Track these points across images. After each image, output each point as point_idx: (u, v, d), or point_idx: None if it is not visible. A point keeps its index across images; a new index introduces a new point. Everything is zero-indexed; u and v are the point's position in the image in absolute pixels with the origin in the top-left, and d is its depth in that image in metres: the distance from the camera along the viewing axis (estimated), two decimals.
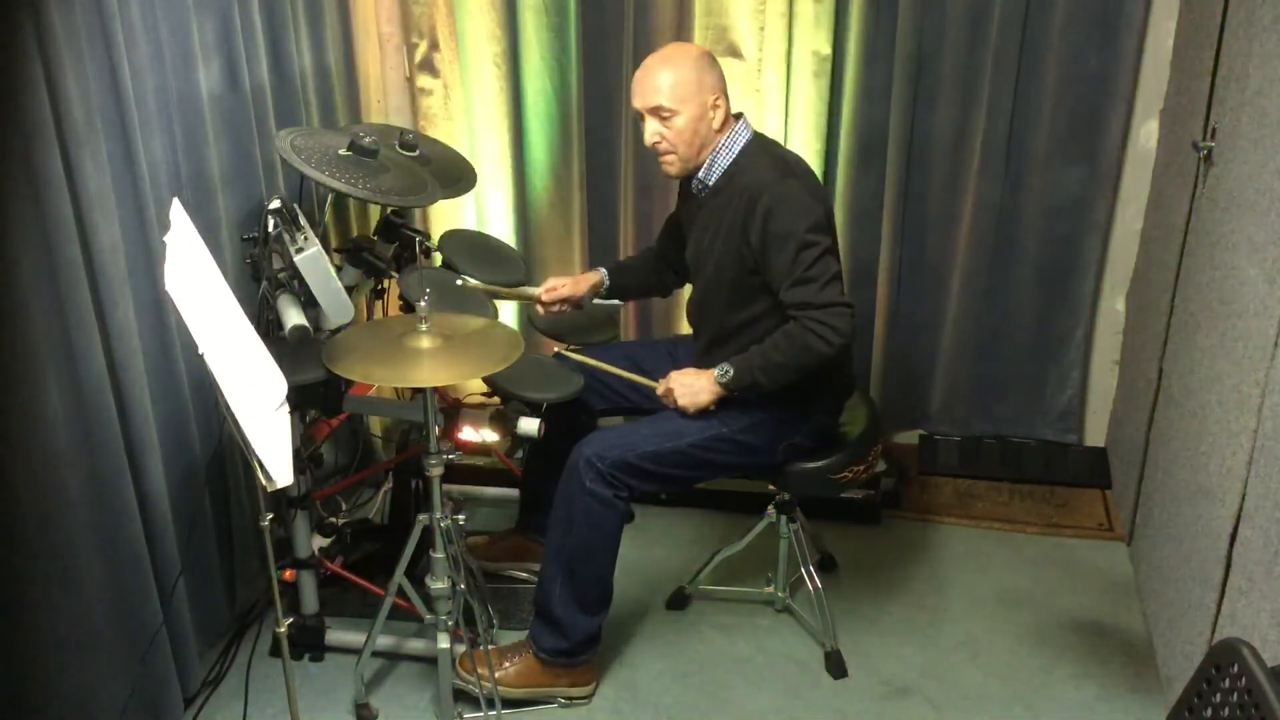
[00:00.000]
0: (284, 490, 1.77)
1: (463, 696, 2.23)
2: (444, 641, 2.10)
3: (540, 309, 2.52)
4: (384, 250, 2.49)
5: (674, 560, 2.76)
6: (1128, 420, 2.92)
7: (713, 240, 2.23)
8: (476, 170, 2.69)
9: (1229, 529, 1.87)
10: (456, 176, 2.59)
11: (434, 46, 3.05)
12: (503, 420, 2.23)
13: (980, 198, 2.95)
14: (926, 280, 3.07)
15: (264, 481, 1.56)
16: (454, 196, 2.61)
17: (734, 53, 2.90)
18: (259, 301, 2.21)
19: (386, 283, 2.58)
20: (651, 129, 2.17)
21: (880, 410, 2.52)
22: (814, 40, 2.84)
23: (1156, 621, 2.41)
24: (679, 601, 2.61)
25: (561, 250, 3.18)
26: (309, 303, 2.12)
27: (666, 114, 2.14)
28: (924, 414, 3.24)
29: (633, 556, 2.67)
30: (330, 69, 2.79)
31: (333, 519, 2.63)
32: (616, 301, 2.73)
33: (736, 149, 2.20)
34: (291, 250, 2.06)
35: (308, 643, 2.43)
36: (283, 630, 1.79)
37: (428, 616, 2.12)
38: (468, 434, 2.27)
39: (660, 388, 2.26)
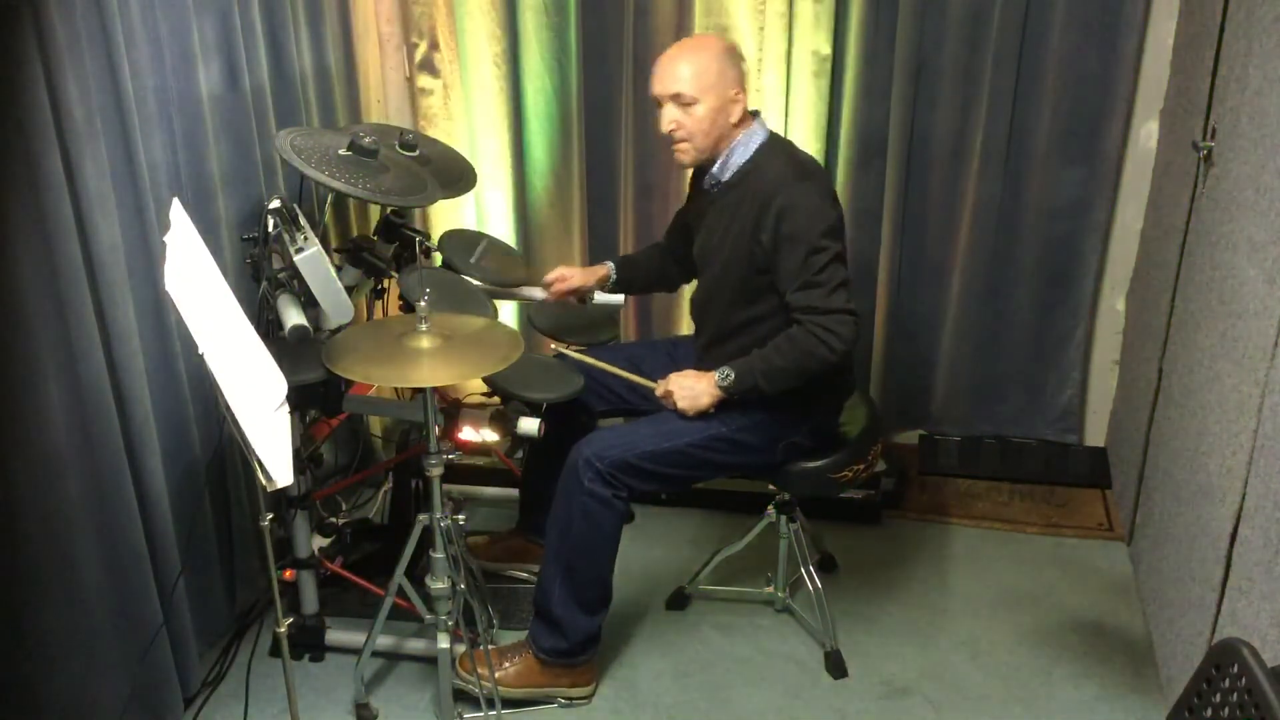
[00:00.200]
0: (284, 490, 1.78)
1: (463, 696, 2.23)
2: (444, 641, 2.10)
3: (547, 295, 2.52)
4: (384, 250, 2.49)
5: (674, 560, 2.76)
6: (1128, 420, 2.92)
7: (722, 237, 2.23)
8: (476, 170, 2.69)
9: (1229, 529, 1.87)
10: (456, 176, 2.59)
11: (434, 46, 3.05)
12: (503, 420, 2.23)
13: (980, 198, 2.95)
14: (926, 280, 3.08)
15: (264, 481, 1.56)
16: (454, 196, 2.61)
17: None
18: (259, 301, 2.21)
19: (386, 283, 2.58)
20: (669, 116, 2.16)
21: (880, 410, 2.52)
22: (814, 40, 2.84)
23: (1156, 621, 2.41)
24: (679, 601, 2.61)
25: (561, 250, 3.18)
26: (309, 303, 2.12)
27: (686, 101, 2.13)
28: (924, 414, 3.24)
29: (633, 556, 2.67)
30: (330, 69, 2.79)
31: (333, 519, 2.63)
32: (618, 301, 2.73)
33: (752, 147, 2.20)
34: (291, 250, 2.06)
35: (308, 643, 2.43)
36: (283, 630, 1.79)
37: (428, 616, 2.12)
38: (468, 434, 2.27)
39: (659, 389, 2.26)
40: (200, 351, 1.59)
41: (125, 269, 1.97)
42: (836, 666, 2.40)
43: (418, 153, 2.48)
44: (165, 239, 1.74)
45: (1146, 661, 2.38)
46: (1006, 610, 2.59)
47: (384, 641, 2.38)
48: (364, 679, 2.29)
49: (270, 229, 2.20)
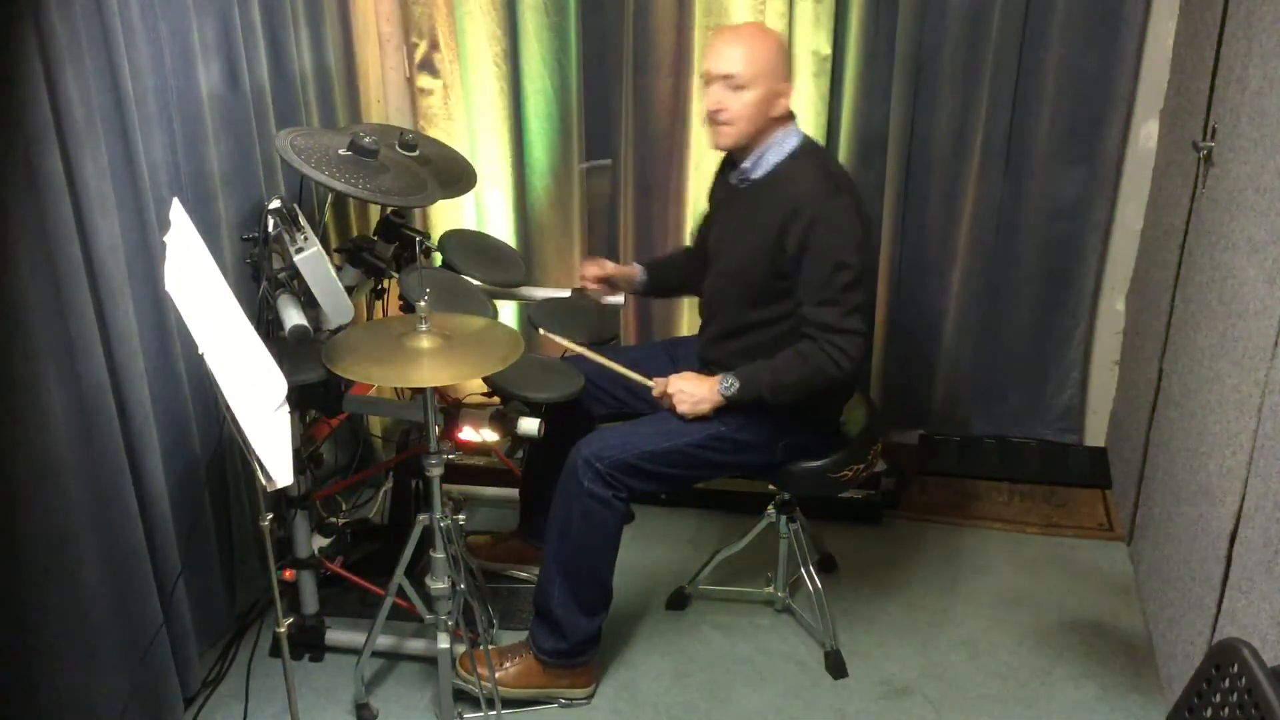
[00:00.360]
0: (284, 490, 1.77)
1: (463, 696, 2.23)
2: (444, 641, 2.10)
3: (583, 283, 2.52)
4: (384, 250, 2.49)
5: (674, 560, 2.76)
6: (1128, 420, 2.92)
7: (742, 233, 2.23)
8: (476, 170, 2.69)
9: (1229, 529, 1.87)
10: (456, 176, 2.59)
11: (434, 46, 3.05)
12: (503, 420, 2.23)
13: (980, 198, 2.95)
14: (926, 280, 3.08)
15: (264, 481, 1.56)
16: (454, 196, 2.61)
17: None
18: (259, 301, 2.21)
19: (386, 283, 2.58)
20: (716, 95, 2.14)
21: (880, 410, 2.52)
22: (814, 40, 2.84)
23: (1156, 621, 2.41)
24: (679, 601, 2.61)
25: (561, 250, 3.18)
26: (309, 303, 2.12)
27: (737, 84, 2.12)
28: (924, 414, 3.24)
29: (633, 556, 2.67)
30: (330, 69, 2.79)
31: (333, 519, 2.63)
32: (618, 301, 2.73)
33: (787, 149, 2.19)
34: (291, 250, 2.06)
35: (308, 643, 2.43)
36: (283, 630, 1.79)
37: (428, 616, 2.12)
38: (468, 434, 2.27)
39: (658, 389, 2.25)
40: (200, 351, 1.59)
41: (125, 269, 1.97)
42: (836, 666, 2.40)
43: (418, 153, 2.48)
44: (165, 239, 1.74)
45: (1146, 661, 2.38)
46: (1006, 610, 2.59)
47: (384, 641, 2.38)
48: (364, 679, 2.29)
49: (270, 229, 2.20)
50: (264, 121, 2.46)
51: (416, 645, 2.40)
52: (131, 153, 1.99)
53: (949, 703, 2.30)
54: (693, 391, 2.21)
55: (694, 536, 2.87)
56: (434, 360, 1.89)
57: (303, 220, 2.20)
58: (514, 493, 2.88)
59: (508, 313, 3.13)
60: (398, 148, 2.45)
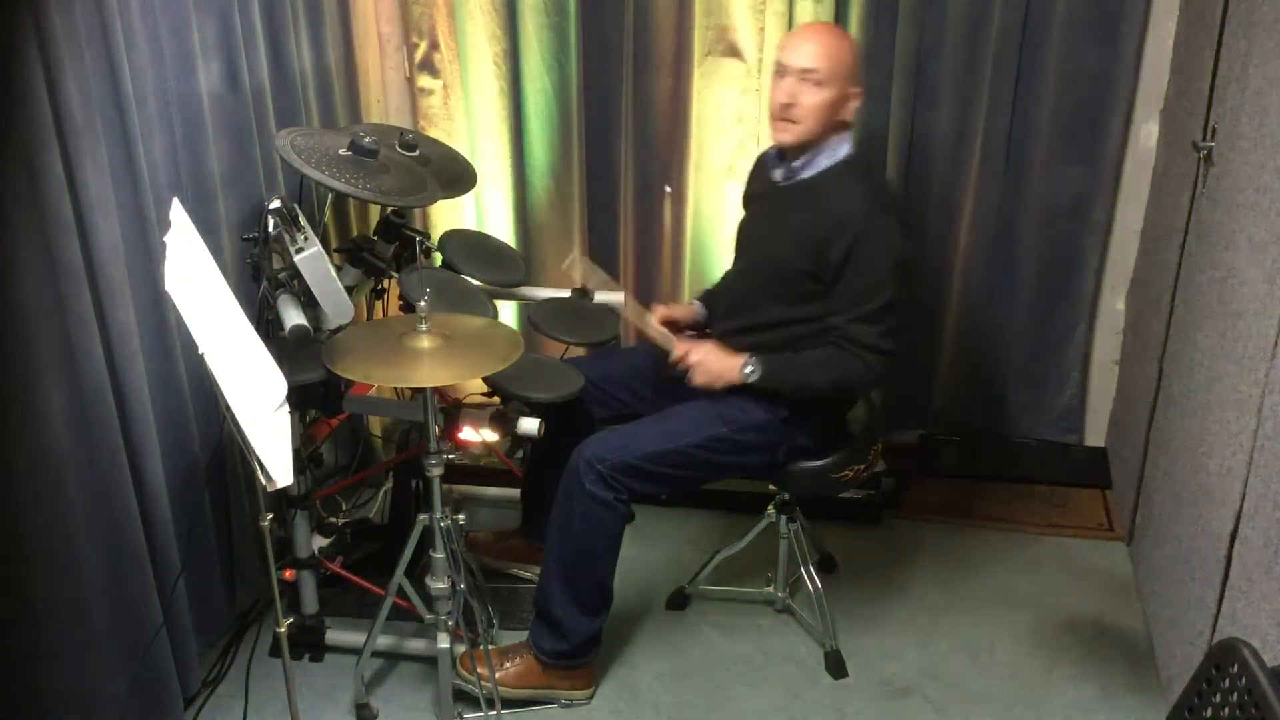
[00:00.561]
0: (284, 490, 1.77)
1: (463, 696, 2.23)
2: (444, 641, 2.10)
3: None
4: (384, 250, 2.49)
5: (674, 560, 2.76)
6: (1128, 420, 2.92)
7: (778, 230, 2.23)
8: (476, 170, 2.69)
9: (1229, 529, 1.87)
10: (456, 176, 2.59)
11: (434, 46, 3.05)
12: (503, 420, 2.23)
13: (980, 198, 2.95)
14: (927, 280, 3.07)
15: (264, 481, 1.56)
16: (454, 196, 2.61)
17: (734, 53, 2.90)
18: (259, 301, 2.20)
19: (386, 283, 2.58)
20: (791, 89, 2.13)
21: (880, 410, 2.52)
22: None
23: (1156, 621, 2.41)
24: (679, 601, 2.61)
25: (561, 250, 3.18)
26: (309, 303, 2.12)
27: (815, 80, 2.11)
28: (924, 414, 3.23)
29: (633, 556, 2.67)
30: (330, 69, 2.79)
31: (333, 519, 2.63)
32: (618, 300, 2.73)
33: (839, 155, 2.20)
34: (291, 250, 2.06)
35: (308, 643, 2.43)
36: (283, 630, 1.79)
37: (428, 616, 2.12)
38: (468, 434, 2.27)
39: (679, 350, 2.24)
40: (200, 351, 1.59)
41: (125, 269, 1.97)
42: (836, 666, 2.40)
43: (418, 153, 2.48)
44: (165, 239, 1.74)
45: (1146, 661, 2.38)
46: (1006, 610, 2.59)
47: (384, 641, 2.38)
48: (364, 679, 2.29)
49: (270, 229, 2.20)
50: (264, 121, 2.45)
51: (416, 645, 2.40)
52: (131, 153, 1.98)
53: (949, 703, 2.30)
54: (714, 365, 2.21)
55: (694, 536, 2.87)
56: (434, 360, 1.89)
57: (303, 220, 2.20)
58: (514, 493, 2.88)
59: (508, 313, 3.13)
60: (398, 148, 2.45)
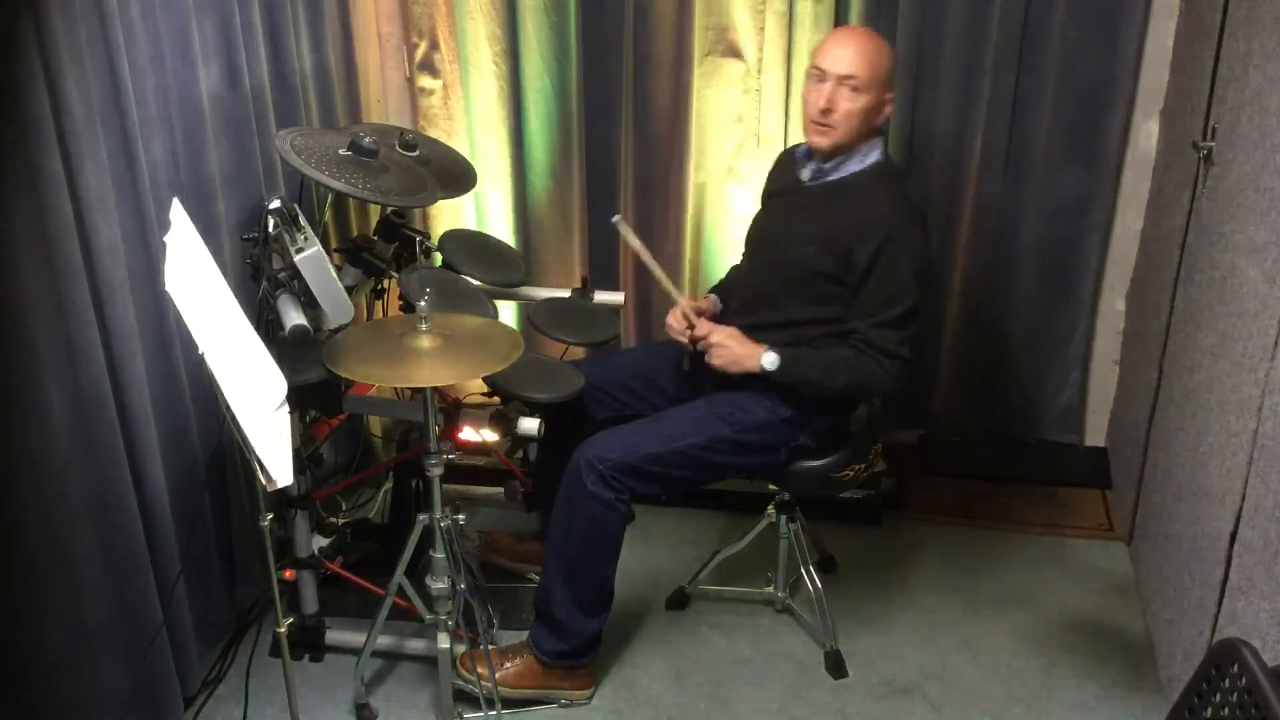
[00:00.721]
0: (284, 490, 1.77)
1: (463, 696, 2.23)
2: (444, 641, 2.10)
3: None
4: (384, 250, 2.49)
5: (674, 560, 2.76)
6: (1128, 420, 2.92)
7: (800, 227, 2.23)
8: (476, 170, 2.69)
9: (1229, 529, 1.87)
10: (456, 176, 2.59)
11: (434, 46, 3.05)
12: (503, 420, 2.23)
13: (980, 198, 2.95)
14: (928, 280, 3.07)
15: (264, 481, 1.56)
16: (454, 196, 2.61)
17: (734, 53, 2.90)
18: (259, 301, 2.21)
19: (386, 283, 2.58)
20: (829, 94, 2.14)
21: (880, 410, 2.52)
22: (814, 40, 2.83)
23: (1156, 621, 2.41)
24: (679, 601, 2.61)
25: (561, 250, 3.18)
26: (309, 303, 2.12)
27: (855, 86, 2.12)
28: (924, 414, 3.23)
29: (633, 556, 2.66)
30: (330, 69, 2.79)
31: (333, 519, 2.63)
32: (618, 300, 2.74)
33: (869, 161, 2.21)
34: (291, 250, 2.06)
35: (308, 643, 2.43)
36: (283, 630, 1.79)
37: (428, 616, 2.12)
38: (468, 434, 2.27)
39: (702, 329, 2.23)
40: (200, 351, 1.59)
41: (125, 269, 1.97)
42: (836, 666, 2.40)
43: (418, 153, 2.48)
44: (165, 239, 1.74)
45: (1146, 661, 2.38)
46: (1006, 610, 2.59)
47: (384, 641, 2.38)
48: (364, 679, 2.29)
49: (270, 229, 2.20)
50: (264, 121, 2.45)
51: (416, 645, 2.40)
52: (131, 153, 1.98)
53: (949, 703, 2.30)
54: (733, 350, 2.21)
55: (694, 536, 2.87)
56: (434, 360, 1.89)
57: (303, 220, 2.20)
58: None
59: (508, 313, 3.13)
60: (398, 148, 2.45)
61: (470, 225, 3.17)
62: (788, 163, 2.37)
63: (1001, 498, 3.04)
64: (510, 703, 2.27)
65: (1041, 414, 3.18)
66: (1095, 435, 3.19)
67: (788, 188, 2.33)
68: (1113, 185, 2.91)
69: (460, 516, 2.10)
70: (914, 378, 3.15)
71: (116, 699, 2.04)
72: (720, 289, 2.52)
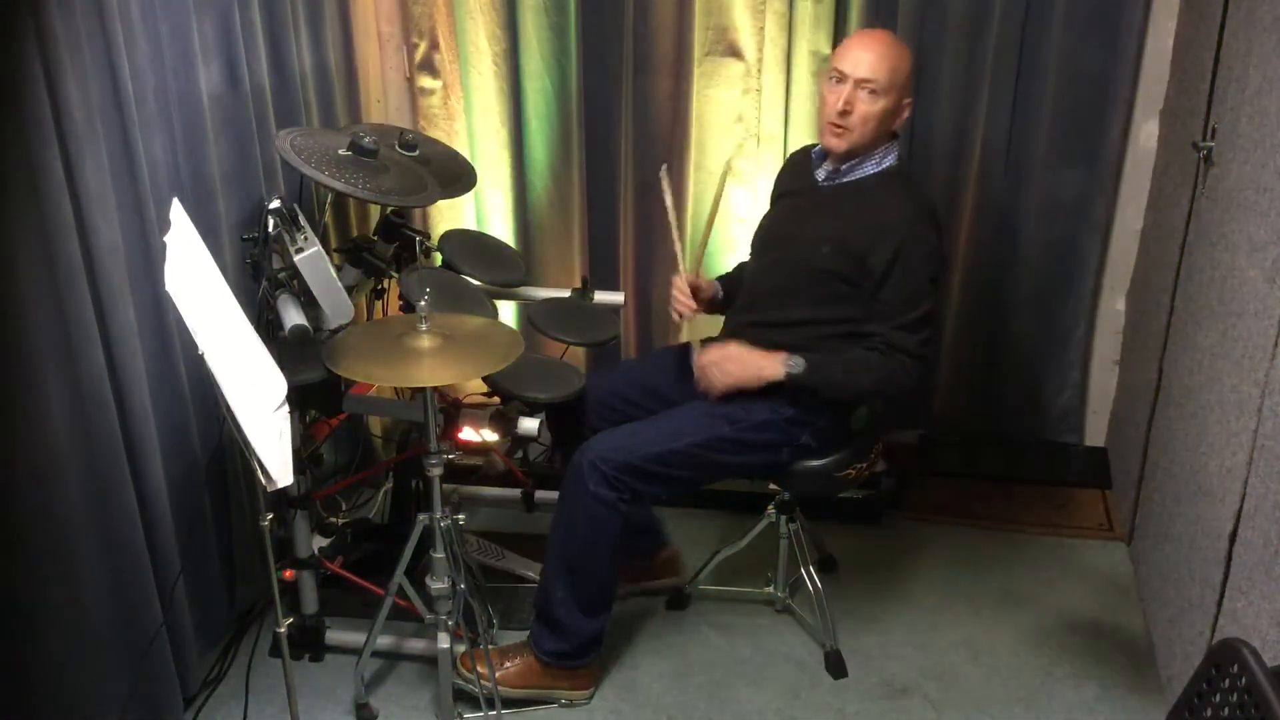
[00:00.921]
0: (284, 490, 1.77)
1: (463, 696, 2.23)
2: (444, 641, 2.10)
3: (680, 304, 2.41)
4: (384, 250, 2.49)
5: None
6: (1128, 420, 2.92)
7: (813, 228, 2.23)
8: (476, 170, 2.69)
9: (1229, 529, 1.87)
10: (456, 176, 2.59)
11: (434, 46, 3.05)
12: (503, 420, 2.23)
13: (980, 198, 2.95)
14: None
15: (264, 481, 1.56)
16: (454, 196, 2.61)
17: (734, 53, 2.90)
18: (259, 301, 2.21)
19: (386, 283, 2.58)
20: (848, 96, 2.14)
21: (881, 410, 2.51)
22: (814, 40, 2.84)
23: (1156, 621, 2.41)
24: (679, 601, 2.61)
25: (561, 250, 3.18)
26: (309, 303, 2.12)
27: (873, 90, 2.13)
28: (924, 414, 3.24)
29: None
30: (330, 69, 2.79)
31: (333, 519, 2.63)
32: (618, 300, 2.73)
33: (884, 164, 2.22)
34: (291, 250, 2.06)
35: (308, 643, 2.43)
36: (283, 630, 1.79)
37: (428, 616, 2.12)
38: (468, 434, 2.27)
39: (702, 358, 2.22)
40: (200, 351, 1.59)
41: (125, 269, 1.97)
42: (836, 666, 2.40)
43: (418, 153, 2.48)
44: (165, 239, 1.74)
45: (1146, 661, 2.38)
46: (1006, 610, 2.59)
47: (384, 641, 2.38)
48: (364, 679, 2.29)
49: (270, 229, 2.20)
50: (264, 121, 2.45)
51: (416, 645, 2.40)
52: (131, 153, 1.98)
53: (949, 703, 2.30)
54: (747, 361, 2.19)
55: (694, 536, 2.87)
56: (434, 360, 1.89)
57: (303, 220, 2.20)
58: (515, 493, 2.88)
59: (508, 313, 3.13)
60: (398, 148, 2.45)
61: (470, 225, 3.17)
62: (802, 162, 2.37)
63: (1001, 498, 3.04)
64: (510, 702, 2.27)
65: (1041, 414, 3.18)
66: (1095, 435, 3.19)
67: (799, 188, 2.34)
68: (1113, 185, 2.92)
69: (460, 516, 2.10)
70: None
71: (116, 699, 2.04)
72: (726, 279, 2.52)
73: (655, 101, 2.98)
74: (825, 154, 2.28)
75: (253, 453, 1.56)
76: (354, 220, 2.96)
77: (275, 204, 2.27)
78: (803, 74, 2.88)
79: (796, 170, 2.40)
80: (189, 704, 2.26)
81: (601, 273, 3.12)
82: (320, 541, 2.46)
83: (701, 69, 2.92)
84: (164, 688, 2.16)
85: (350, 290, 2.30)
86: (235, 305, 1.77)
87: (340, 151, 2.19)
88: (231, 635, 2.46)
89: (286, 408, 1.66)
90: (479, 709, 2.21)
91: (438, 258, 2.60)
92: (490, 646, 2.26)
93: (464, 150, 2.93)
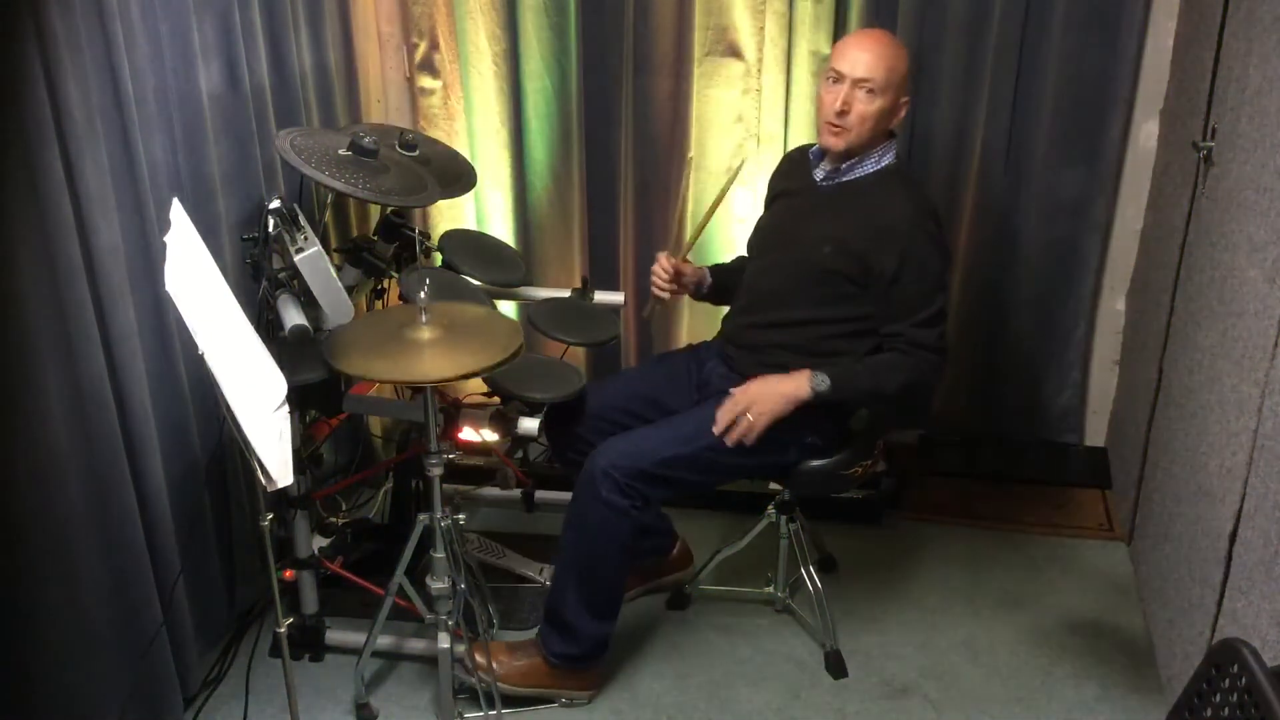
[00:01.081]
0: (284, 490, 1.77)
1: (463, 696, 2.23)
2: (444, 641, 2.10)
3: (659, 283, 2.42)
4: (384, 250, 2.49)
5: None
6: (1128, 420, 2.92)
7: (813, 228, 2.23)
8: (476, 170, 2.69)
9: (1229, 529, 1.87)
10: (456, 176, 2.59)
11: (434, 46, 3.05)
12: (503, 420, 2.23)
13: (980, 198, 2.95)
14: None
15: (264, 481, 1.56)
16: (454, 196, 2.61)
17: (734, 53, 2.90)
18: (259, 301, 2.21)
19: (386, 283, 2.58)
20: (845, 96, 2.14)
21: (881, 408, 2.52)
22: (814, 40, 2.84)
23: (1156, 621, 2.41)
24: (679, 601, 2.61)
25: (561, 250, 3.18)
26: (309, 303, 2.12)
27: (871, 89, 2.13)
28: (924, 414, 3.23)
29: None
30: (330, 69, 2.79)
31: (333, 519, 2.63)
32: (618, 300, 2.73)
33: (883, 162, 2.22)
34: (291, 250, 2.07)
35: (308, 643, 2.43)
36: (283, 630, 1.79)
37: (428, 616, 2.12)
38: (468, 434, 2.27)
39: (724, 416, 2.18)
40: (200, 351, 1.59)
41: (125, 269, 1.97)
42: (836, 666, 2.40)
43: (418, 153, 2.48)
44: (165, 239, 1.74)
45: (1146, 661, 2.38)
46: (1006, 610, 2.59)
47: (384, 641, 2.38)
48: (364, 679, 2.29)
49: (270, 229, 2.20)
50: (264, 121, 2.45)
51: (416, 645, 2.40)
52: (131, 153, 1.98)
53: (949, 703, 2.30)
54: (774, 388, 2.16)
55: (694, 536, 2.86)
56: (434, 351, 1.88)
57: (303, 220, 2.20)
58: (514, 493, 2.88)
59: (508, 313, 3.12)
60: (398, 148, 2.45)
61: (470, 225, 3.17)
62: (799, 162, 2.37)
63: (1001, 498, 3.04)
64: (510, 702, 2.27)
65: (1041, 414, 3.18)
66: (1095, 435, 3.19)
67: (797, 188, 2.33)
68: (1113, 185, 2.91)
69: (460, 516, 2.10)
70: None
71: (116, 699, 2.04)
72: (720, 269, 2.51)
73: (655, 101, 2.98)
74: (823, 154, 2.28)
75: (253, 453, 1.56)
76: (354, 220, 2.96)
77: (275, 204, 2.27)
78: (803, 74, 2.88)
79: (793, 170, 2.39)
80: (189, 704, 2.26)
81: (601, 273, 3.12)
82: (320, 541, 2.46)
83: (701, 69, 2.92)
84: (164, 688, 2.16)
85: (350, 290, 2.30)
86: (235, 305, 1.77)
87: (340, 151, 2.19)
88: (231, 635, 2.46)
89: (286, 408, 1.66)
90: (479, 709, 2.21)
91: (438, 258, 2.60)
92: (493, 643, 2.26)
93: (464, 150, 2.93)
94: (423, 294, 1.92)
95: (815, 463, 2.28)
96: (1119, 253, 2.99)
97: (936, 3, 2.79)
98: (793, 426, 2.21)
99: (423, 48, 3.06)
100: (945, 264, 2.22)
